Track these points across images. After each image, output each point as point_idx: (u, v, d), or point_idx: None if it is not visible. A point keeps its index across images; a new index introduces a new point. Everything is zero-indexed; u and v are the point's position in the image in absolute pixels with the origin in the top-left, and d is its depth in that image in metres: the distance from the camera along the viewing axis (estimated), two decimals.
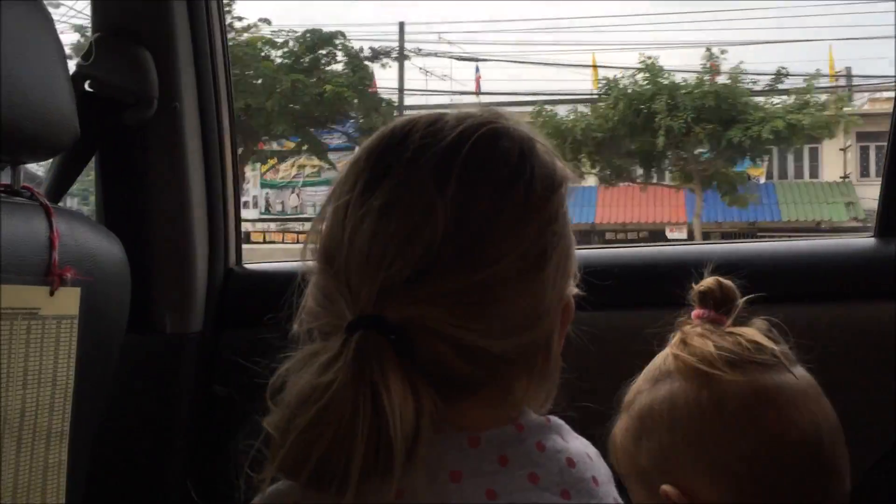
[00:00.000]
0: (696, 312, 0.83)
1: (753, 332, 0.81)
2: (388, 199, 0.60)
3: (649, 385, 0.82)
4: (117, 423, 1.12)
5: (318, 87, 12.68)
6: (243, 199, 15.51)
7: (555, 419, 0.68)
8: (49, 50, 0.92)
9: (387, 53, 13.69)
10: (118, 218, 1.21)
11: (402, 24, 14.11)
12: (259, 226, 15.74)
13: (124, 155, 1.23)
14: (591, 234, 13.75)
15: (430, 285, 0.58)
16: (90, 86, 1.14)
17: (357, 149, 0.67)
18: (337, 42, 13.12)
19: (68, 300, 0.90)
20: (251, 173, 15.73)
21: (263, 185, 15.97)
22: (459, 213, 0.59)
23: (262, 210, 16.01)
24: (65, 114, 0.94)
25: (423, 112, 0.67)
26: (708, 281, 0.83)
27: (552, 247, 0.63)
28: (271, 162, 15.61)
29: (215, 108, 1.30)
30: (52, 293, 0.88)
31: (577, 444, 0.69)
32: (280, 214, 15.99)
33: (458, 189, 0.60)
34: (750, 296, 0.83)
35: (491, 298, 0.59)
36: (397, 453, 0.55)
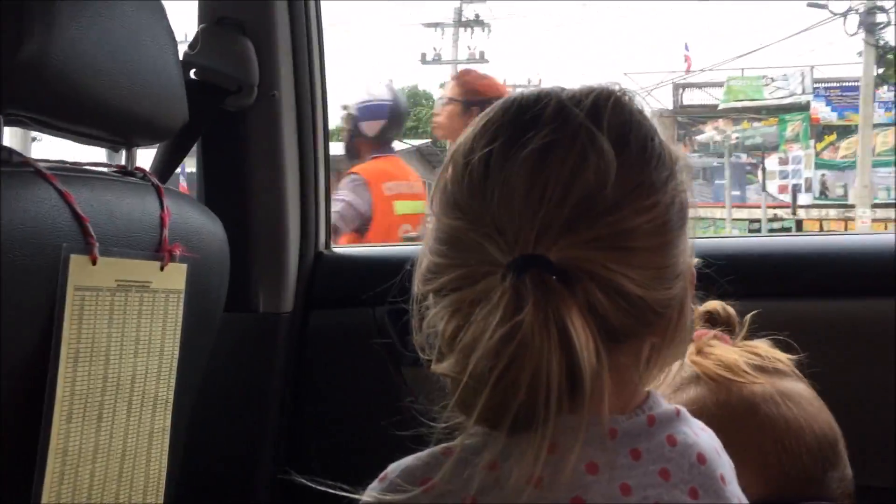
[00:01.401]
0: (701, 332, 0.93)
1: (765, 345, 0.93)
2: (545, 142, 0.62)
3: (670, 391, 0.90)
4: (213, 397, 1.17)
5: None
6: (792, 181, 14.34)
7: (683, 409, 0.69)
8: (162, 38, 0.98)
9: None
10: (218, 200, 1.26)
11: None
12: (814, 213, 13.99)
13: (225, 140, 1.29)
14: None
15: (590, 227, 0.60)
16: (196, 73, 1.20)
17: (479, 116, 0.68)
18: None
19: (176, 275, 0.95)
20: (802, 152, 14.03)
21: (819, 166, 14.27)
22: (617, 157, 0.61)
23: (817, 195, 14.43)
24: (176, 100, 1.00)
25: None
26: (713, 304, 0.94)
27: (689, 206, 0.66)
28: (828, 139, 13.91)
29: (310, 97, 1.35)
30: (162, 268, 0.93)
31: (706, 437, 0.69)
32: (839, 200, 14.10)
33: (610, 135, 0.62)
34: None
35: (644, 246, 0.61)
36: (587, 388, 0.58)
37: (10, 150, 0.81)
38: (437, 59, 20.57)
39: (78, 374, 0.80)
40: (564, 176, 0.60)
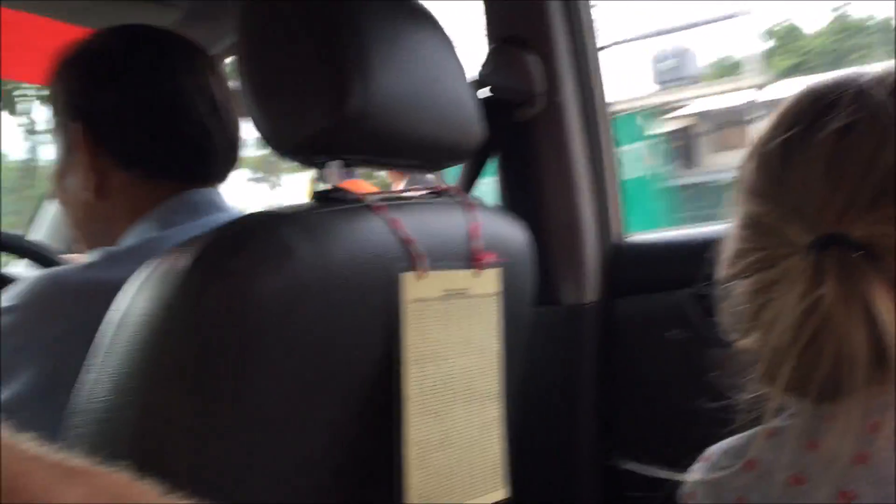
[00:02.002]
0: None
1: None
2: (844, 123, 0.63)
3: None
4: (532, 387, 1.27)
5: None
6: None
7: None
8: (455, 71, 1.09)
9: None
10: (517, 204, 1.37)
11: None
12: None
13: (518, 148, 1.39)
14: None
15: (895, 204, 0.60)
16: (489, 92, 1.31)
17: (776, 108, 0.70)
18: None
19: (490, 280, 1.06)
20: None
21: None
22: None
23: None
24: (473, 122, 1.11)
25: None
26: None
27: None
28: None
29: (592, 96, 1.41)
30: (477, 275, 1.05)
31: None
32: None
33: None
34: None
35: None
36: (893, 362, 0.58)
37: (345, 191, 0.96)
38: None
39: (421, 375, 0.94)
40: (865, 154, 0.61)
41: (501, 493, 1.05)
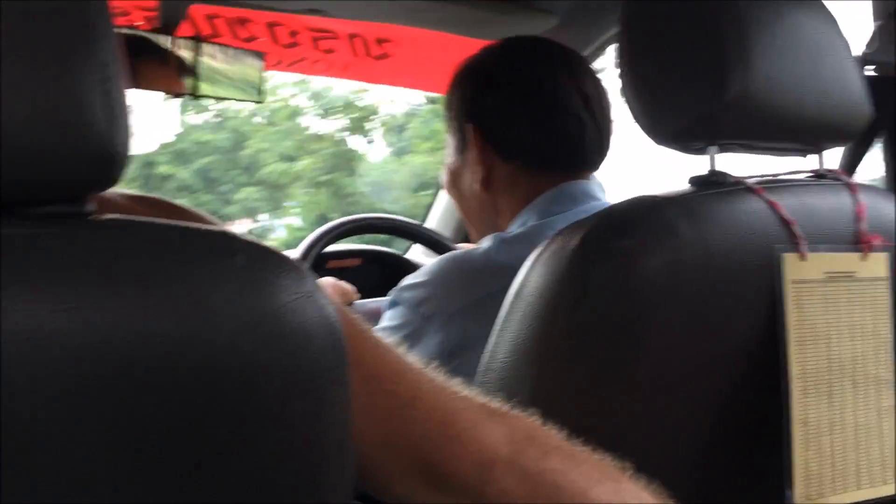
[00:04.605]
0: None
1: None
2: None
3: None
4: None
5: None
6: None
7: None
8: (840, 51, 1.05)
9: None
10: None
11: None
12: None
13: None
14: None
15: None
16: (876, 70, 1.24)
17: None
18: None
19: (878, 264, 1.02)
20: None
21: None
22: None
23: None
24: (859, 103, 1.06)
25: None
26: None
27: None
28: None
29: None
30: (863, 259, 1.01)
31: None
32: None
33: None
34: None
35: None
36: None
37: (724, 174, 0.98)
38: None
39: (805, 356, 0.93)
40: None
41: (893, 488, 1.00)
